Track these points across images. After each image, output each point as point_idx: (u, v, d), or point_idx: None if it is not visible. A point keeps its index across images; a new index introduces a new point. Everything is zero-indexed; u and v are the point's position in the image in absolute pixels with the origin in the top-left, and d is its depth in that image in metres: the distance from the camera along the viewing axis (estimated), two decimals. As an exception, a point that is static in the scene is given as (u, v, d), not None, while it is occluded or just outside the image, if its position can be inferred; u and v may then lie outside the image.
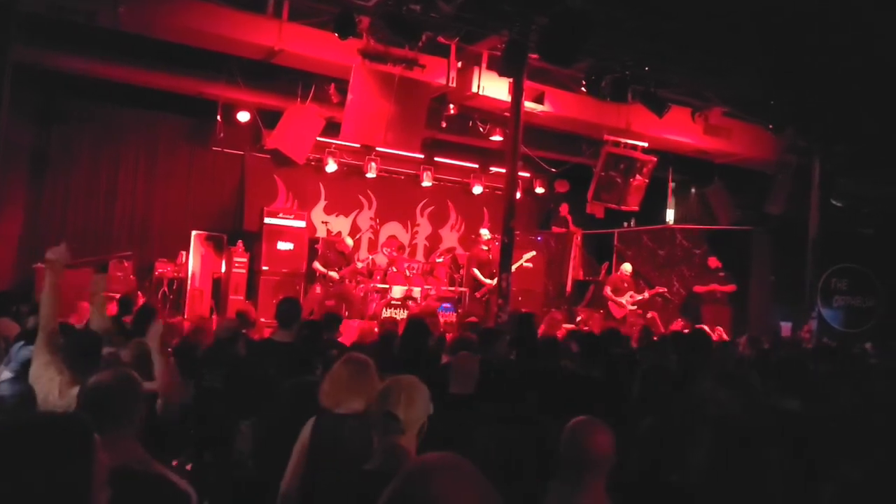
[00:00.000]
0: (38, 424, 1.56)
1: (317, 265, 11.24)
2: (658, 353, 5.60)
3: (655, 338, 7.01)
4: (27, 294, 9.21)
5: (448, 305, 11.71)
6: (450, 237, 14.29)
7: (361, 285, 11.47)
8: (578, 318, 11.85)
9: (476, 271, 11.53)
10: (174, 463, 5.58)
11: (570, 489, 2.35)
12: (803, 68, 8.97)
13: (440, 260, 13.17)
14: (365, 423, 2.76)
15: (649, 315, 11.92)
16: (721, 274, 11.68)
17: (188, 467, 5.40)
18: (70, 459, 1.47)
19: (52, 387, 3.26)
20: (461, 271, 12.96)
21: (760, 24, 8.00)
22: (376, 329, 7.32)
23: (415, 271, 12.21)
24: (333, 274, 11.09)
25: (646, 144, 11.24)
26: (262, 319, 9.21)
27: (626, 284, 11.84)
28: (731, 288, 11.65)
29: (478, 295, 11.46)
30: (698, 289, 11.93)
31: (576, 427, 2.43)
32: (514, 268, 9.52)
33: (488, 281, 11.11)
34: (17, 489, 1.40)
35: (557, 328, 9.12)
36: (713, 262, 11.82)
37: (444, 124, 11.34)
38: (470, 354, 4.20)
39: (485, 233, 11.98)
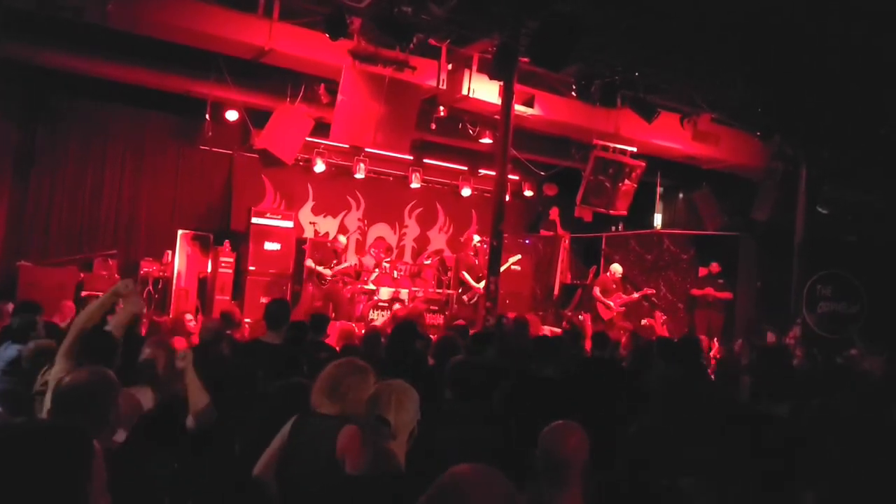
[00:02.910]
0: (37, 432, 1.53)
1: (309, 262, 11.19)
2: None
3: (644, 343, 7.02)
4: (10, 292, 9.12)
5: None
6: (438, 239, 14.28)
7: (349, 286, 11.45)
8: (580, 317, 11.86)
9: (465, 275, 11.55)
10: None
11: (547, 493, 2.36)
12: (790, 75, 9.04)
13: (428, 262, 13.17)
14: (337, 426, 2.77)
15: (644, 322, 11.91)
16: (720, 280, 11.76)
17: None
18: (68, 467, 1.44)
19: None
20: (449, 273, 12.96)
21: (748, 31, 8.05)
22: (362, 331, 7.30)
23: (402, 273, 12.20)
24: (326, 271, 11.07)
25: (634, 149, 11.28)
26: (247, 320, 9.18)
27: (614, 286, 11.87)
28: (727, 295, 11.73)
29: (466, 298, 11.47)
30: (695, 292, 11.99)
31: (549, 431, 2.45)
32: (500, 270, 9.52)
33: (477, 284, 11.13)
34: (14, 497, 1.38)
35: (536, 330, 9.14)
36: (715, 267, 11.87)
37: (433, 126, 11.32)
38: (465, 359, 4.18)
39: (476, 238, 12.01)
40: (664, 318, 12.25)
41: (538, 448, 2.43)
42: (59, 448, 1.46)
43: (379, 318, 10.99)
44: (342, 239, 11.70)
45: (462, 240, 13.43)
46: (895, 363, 5.82)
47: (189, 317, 7.67)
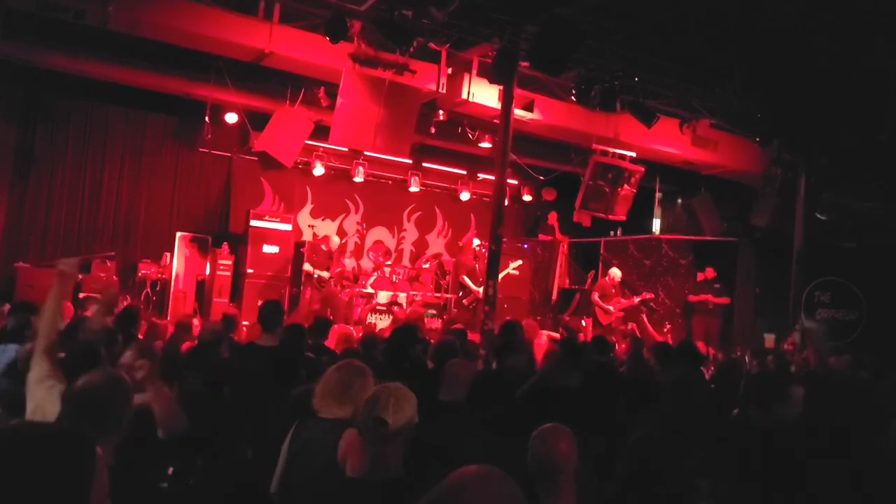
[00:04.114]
0: (38, 436, 1.51)
1: (307, 266, 11.20)
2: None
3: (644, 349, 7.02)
4: (8, 293, 9.11)
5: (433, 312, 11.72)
6: (436, 243, 14.28)
7: (347, 290, 11.44)
8: (583, 322, 11.84)
9: (466, 279, 11.55)
10: None
11: (541, 497, 2.36)
12: (789, 81, 9.05)
13: (426, 266, 13.16)
14: (340, 430, 2.75)
15: (630, 325, 11.91)
16: (717, 285, 11.76)
17: (169, 471, 5.34)
18: (71, 473, 1.43)
19: (51, 395, 3.11)
20: (447, 277, 12.94)
21: (747, 36, 8.06)
22: (360, 334, 7.29)
23: (400, 277, 12.19)
24: (324, 273, 11.07)
25: (634, 154, 11.29)
26: (245, 323, 9.16)
27: (613, 290, 11.86)
28: (724, 300, 11.73)
29: (465, 302, 11.47)
30: (692, 298, 11.99)
31: (539, 435, 2.45)
32: (500, 276, 9.51)
33: (477, 288, 11.14)
34: (12, 502, 1.36)
35: (534, 335, 9.12)
36: (710, 272, 11.87)
37: (433, 130, 11.33)
38: (464, 361, 4.16)
39: (476, 242, 12.02)
40: (669, 325, 12.25)
41: (529, 453, 2.42)
42: (60, 453, 1.44)
43: (377, 322, 10.99)
44: (335, 239, 11.68)
45: (461, 244, 13.42)
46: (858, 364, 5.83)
47: (195, 322, 7.64)
